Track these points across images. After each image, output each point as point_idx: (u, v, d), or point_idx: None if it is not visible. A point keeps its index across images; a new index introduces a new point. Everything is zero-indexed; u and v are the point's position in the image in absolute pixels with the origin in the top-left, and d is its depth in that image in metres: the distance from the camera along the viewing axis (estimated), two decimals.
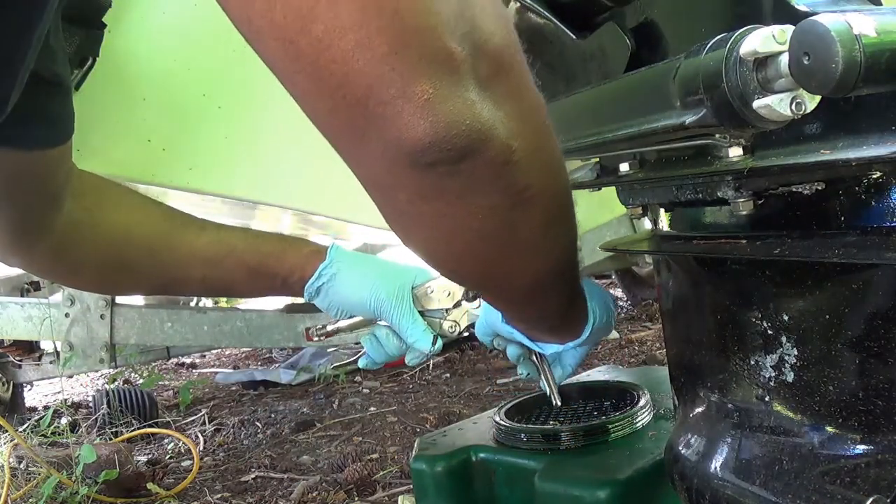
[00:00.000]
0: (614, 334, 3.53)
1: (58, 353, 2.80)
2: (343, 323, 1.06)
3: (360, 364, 1.09)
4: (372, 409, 2.85)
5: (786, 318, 0.66)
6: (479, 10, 0.47)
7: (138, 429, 2.69)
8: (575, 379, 1.25)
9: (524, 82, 0.54)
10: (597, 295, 0.93)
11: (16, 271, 2.97)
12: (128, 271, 0.97)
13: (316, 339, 1.07)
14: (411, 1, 0.43)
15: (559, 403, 1.06)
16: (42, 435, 2.56)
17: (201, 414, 3.00)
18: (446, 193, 0.53)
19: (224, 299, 4.81)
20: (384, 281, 0.99)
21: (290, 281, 1.00)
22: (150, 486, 2.17)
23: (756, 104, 0.49)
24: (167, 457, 2.53)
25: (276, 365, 3.78)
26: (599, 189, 0.96)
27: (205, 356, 4.42)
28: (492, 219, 0.56)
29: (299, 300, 1.03)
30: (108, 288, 1.16)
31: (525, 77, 0.54)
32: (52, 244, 0.90)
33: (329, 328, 1.08)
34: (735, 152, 0.61)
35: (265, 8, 0.43)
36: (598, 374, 1.29)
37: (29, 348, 3.01)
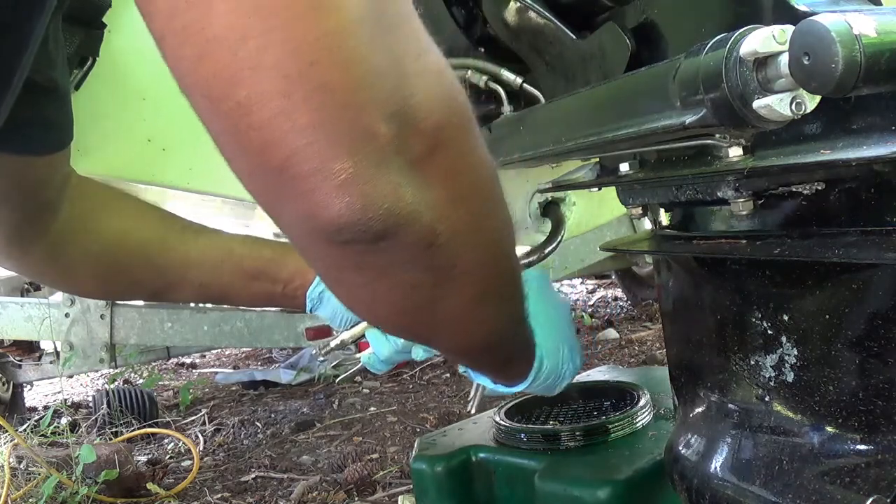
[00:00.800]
0: (614, 334, 3.53)
1: (58, 353, 2.80)
2: (346, 334, 1.03)
3: (363, 360, 1.05)
4: (372, 409, 2.85)
5: (786, 318, 0.66)
6: (417, 86, 0.45)
7: (138, 429, 2.69)
8: (575, 379, 1.25)
9: (465, 161, 0.51)
10: (554, 346, 0.88)
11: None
12: (123, 276, 0.95)
13: (322, 358, 1.06)
14: (341, 74, 0.41)
15: (473, 411, 1.05)
16: (42, 435, 2.56)
17: (201, 414, 3.00)
18: (364, 269, 0.51)
19: None
20: None
21: (291, 287, 0.98)
22: (150, 486, 2.17)
23: (756, 104, 0.49)
24: (167, 457, 2.53)
25: (276, 365, 3.78)
26: (599, 189, 0.96)
27: (205, 356, 4.42)
28: (413, 295, 0.54)
29: (298, 312, 1.03)
30: (103, 293, 1.11)
31: (467, 155, 0.51)
32: (47, 248, 0.89)
33: (333, 343, 1.04)
34: (735, 152, 0.61)
35: (193, 65, 0.41)
36: (598, 374, 1.29)
37: (29, 348, 3.01)
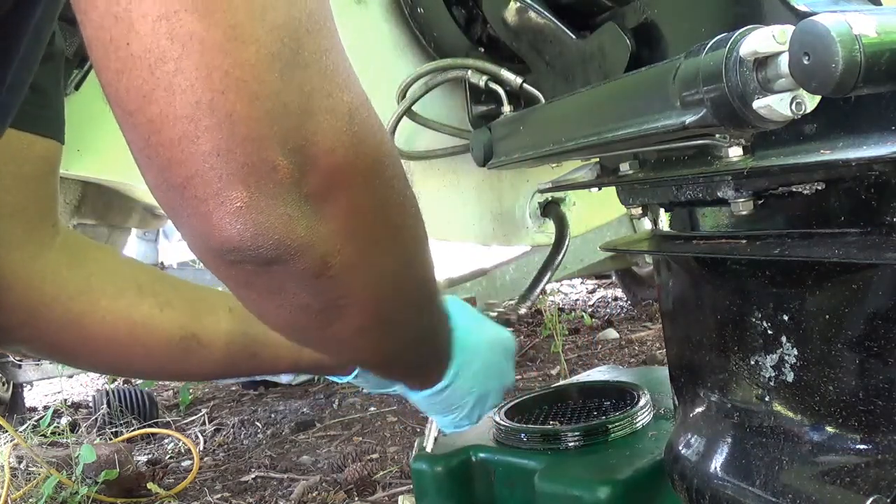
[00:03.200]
0: (614, 334, 3.53)
1: None
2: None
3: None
4: (372, 409, 2.85)
5: (786, 318, 0.66)
6: (322, 124, 0.46)
7: (138, 429, 2.69)
8: (575, 379, 1.25)
9: (367, 200, 0.51)
10: (475, 354, 0.85)
11: None
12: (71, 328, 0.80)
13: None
14: (247, 106, 0.42)
15: (429, 448, 1.03)
16: (42, 435, 2.56)
17: (201, 414, 3.00)
18: (253, 287, 0.53)
19: None
20: None
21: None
22: (150, 486, 2.17)
23: (756, 104, 0.49)
24: (167, 457, 2.53)
25: None
26: (599, 189, 0.96)
27: None
28: (302, 315, 0.55)
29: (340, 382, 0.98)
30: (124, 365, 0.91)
31: (370, 195, 0.51)
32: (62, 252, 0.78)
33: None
34: (735, 152, 0.61)
35: (115, 77, 0.43)
36: (598, 374, 1.29)
37: None
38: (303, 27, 0.45)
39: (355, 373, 0.95)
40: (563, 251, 1.22)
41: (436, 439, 1.04)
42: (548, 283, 1.26)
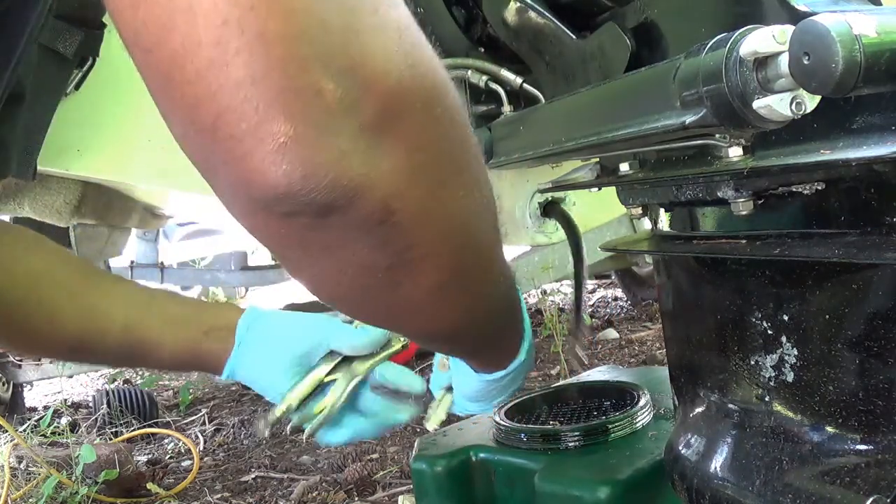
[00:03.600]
0: (614, 334, 3.53)
1: None
2: (296, 390, 0.89)
3: (454, 405, 0.98)
4: None
5: (786, 318, 0.66)
6: (372, 43, 0.39)
7: (138, 429, 2.69)
8: (575, 379, 1.25)
9: (431, 131, 0.44)
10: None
11: None
12: (43, 316, 0.84)
13: (267, 433, 0.90)
14: (281, 24, 0.36)
15: (431, 429, 1.00)
16: (42, 435, 2.56)
17: (201, 414, 3.00)
18: (308, 246, 0.46)
19: (224, 299, 4.81)
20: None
21: (216, 336, 0.88)
22: (150, 486, 2.17)
23: (756, 104, 0.49)
24: (167, 457, 2.53)
25: None
26: (599, 189, 0.96)
27: None
28: (366, 277, 0.48)
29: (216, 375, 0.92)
30: (15, 339, 0.92)
31: (434, 124, 0.45)
32: None
33: (277, 412, 0.89)
34: (735, 152, 0.61)
35: (130, 14, 0.38)
36: (598, 374, 1.29)
37: None
38: None
39: (227, 373, 0.90)
40: (583, 251, 1.19)
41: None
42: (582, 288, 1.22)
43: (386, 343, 0.93)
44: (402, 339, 0.93)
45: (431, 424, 0.97)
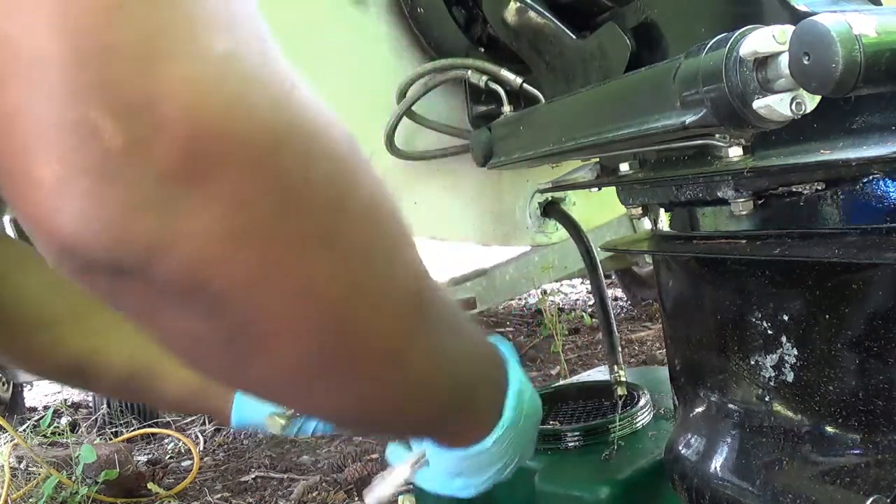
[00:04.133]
0: None
1: None
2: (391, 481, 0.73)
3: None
4: None
5: (786, 318, 0.65)
6: (182, 70, 0.32)
7: (138, 429, 2.69)
8: (575, 379, 1.25)
9: (270, 184, 0.35)
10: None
11: None
12: (47, 336, 0.80)
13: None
14: (62, 44, 0.30)
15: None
16: (42, 435, 2.56)
17: (201, 414, 3.00)
18: (125, 308, 0.39)
19: None
20: None
21: None
22: (150, 486, 2.17)
23: (756, 104, 0.49)
24: (167, 457, 2.53)
25: None
26: (599, 189, 0.96)
27: None
28: (205, 350, 0.40)
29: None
30: (17, 357, 0.85)
31: (278, 177, 0.36)
32: None
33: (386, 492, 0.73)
34: (735, 152, 0.61)
35: None
36: (598, 374, 1.29)
37: None
38: None
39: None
40: (595, 257, 1.18)
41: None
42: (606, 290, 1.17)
43: None
44: None
45: (370, 499, 0.75)
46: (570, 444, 0.96)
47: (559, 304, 4.59)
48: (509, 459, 0.68)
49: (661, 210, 0.82)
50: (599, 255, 1.17)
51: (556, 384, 1.23)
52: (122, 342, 0.82)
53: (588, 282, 5.04)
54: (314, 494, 2.08)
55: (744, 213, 0.65)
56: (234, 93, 0.34)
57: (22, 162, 0.31)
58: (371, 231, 0.43)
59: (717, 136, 0.60)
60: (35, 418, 2.86)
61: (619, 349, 1.11)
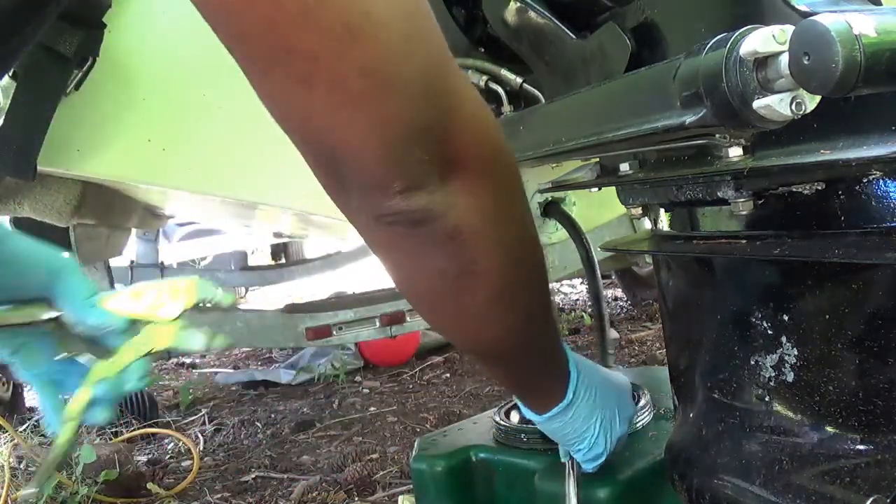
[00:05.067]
0: (614, 334, 3.53)
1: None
2: None
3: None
4: (372, 409, 2.85)
5: (786, 318, 0.66)
6: (456, 130, 0.59)
7: (138, 429, 2.69)
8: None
9: (488, 181, 0.63)
10: (590, 407, 0.85)
11: None
12: None
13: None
14: (394, 112, 0.54)
15: None
16: (42, 435, 2.56)
17: (201, 414, 3.01)
18: (402, 250, 0.65)
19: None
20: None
21: None
22: (150, 486, 2.17)
23: (756, 104, 0.49)
24: (167, 457, 2.53)
25: (276, 365, 3.78)
26: (599, 189, 0.96)
27: (205, 356, 4.42)
28: (440, 280, 0.66)
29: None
30: None
31: (490, 177, 0.63)
32: None
33: None
34: (735, 152, 0.61)
35: (283, 103, 0.55)
36: None
37: None
38: (440, 63, 0.57)
39: None
40: (594, 258, 1.18)
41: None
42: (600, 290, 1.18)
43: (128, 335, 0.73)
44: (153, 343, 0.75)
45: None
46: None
47: (559, 304, 4.59)
48: (604, 414, 0.87)
49: (661, 210, 0.82)
50: (599, 255, 1.17)
51: None
52: None
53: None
54: (314, 494, 2.08)
55: (744, 213, 0.65)
56: (478, 135, 0.61)
57: (380, 180, 0.57)
58: (528, 211, 0.71)
59: (717, 136, 0.60)
60: (35, 418, 2.86)
61: (610, 352, 1.17)
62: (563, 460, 0.90)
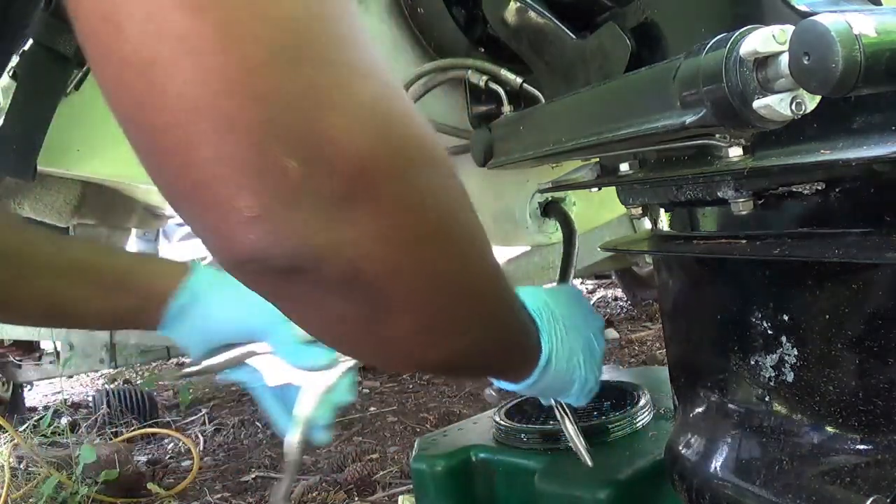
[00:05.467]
0: (614, 334, 3.53)
1: (58, 353, 2.80)
2: (219, 359, 0.90)
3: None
4: (372, 409, 2.85)
5: (786, 318, 0.66)
6: (341, 119, 0.42)
7: (138, 429, 2.69)
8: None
9: (404, 199, 0.47)
10: (566, 352, 0.82)
11: None
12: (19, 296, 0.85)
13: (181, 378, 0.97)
14: (248, 108, 0.39)
15: (589, 462, 0.91)
16: (42, 435, 2.56)
17: (201, 414, 3.00)
18: (284, 298, 0.50)
19: None
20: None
21: (151, 296, 0.87)
22: (150, 486, 2.17)
23: (756, 104, 0.49)
24: (167, 457, 2.53)
25: None
26: (599, 189, 0.96)
27: None
28: (344, 325, 0.52)
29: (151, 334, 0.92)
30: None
31: (408, 192, 0.47)
32: None
33: (193, 369, 0.92)
34: (735, 152, 0.61)
35: (108, 83, 0.41)
36: None
37: (29, 348, 3.01)
38: (312, 18, 0.42)
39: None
40: (575, 247, 1.19)
41: None
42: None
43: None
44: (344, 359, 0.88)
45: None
46: (570, 445, 0.96)
47: None
48: (580, 352, 0.83)
49: (661, 210, 0.82)
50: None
51: None
52: (38, 281, 0.85)
53: (587, 281, 5.04)
54: (314, 494, 2.08)
55: (744, 213, 0.65)
56: (380, 131, 0.44)
57: (222, 198, 0.41)
58: (469, 224, 0.56)
59: (717, 136, 0.60)
60: (35, 418, 2.86)
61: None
62: (545, 403, 0.92)
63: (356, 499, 2.02)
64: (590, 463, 0.91)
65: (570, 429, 0.92)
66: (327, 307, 0.49)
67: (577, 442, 0.91)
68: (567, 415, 0.93)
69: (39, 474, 2.14)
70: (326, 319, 0.52)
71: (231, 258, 0.44)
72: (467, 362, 0.68)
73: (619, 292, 4.62)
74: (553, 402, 0.93)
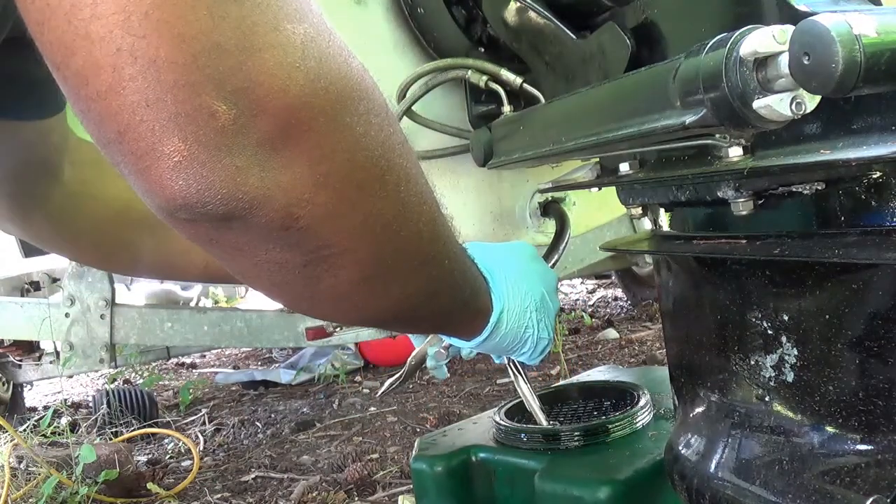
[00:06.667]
0: (614, 334, 3.53)
1: (58, 353, 2.80)
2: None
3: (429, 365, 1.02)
4: (372, 409, 2.85)
5: (786, 318, 0.66)
6: (270, 59, 0.41)
7: (138, 429, 2.69)
8: (575, 379, 1.25)
9: (338, 140, 0.46)
10: (520, 309, 0.82)
11: (16, 271, 2.96)
12: (127, 249, 0.88)
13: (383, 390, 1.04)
14: (173, 49, 0.38)
15: (544, 422, 0.97)
16: (42, 435, 2.56)
17: (201, 414, 3.01)
18: (219, 245, 0.48)
19: (224, 298, 4.82)
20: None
21: None
22: (150, 486, 2.17)
23: (756, 104, 0.49)
24: (167, 457, 2.53)
25: (276, 365, 3.78)
26: (599, 189, 0.96)
27: (205, 356, 4.42)
28: (282, 273, 0.51)
29: None
30: (107, 263, 1.02)
31: (340, 135, 0.46)
32: (50, 213, 0.83)
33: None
34: (735, 152, 0.61)
35: (37, 29, 0.40)
36: (598, 374, 1.29)
37: (29, 348, 3.01)
38: None
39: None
40: (563, 243, 1.19)
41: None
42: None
43: None
44: None
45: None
46: (569, 444, 0.96)
47: (559, 303, 4.58)
48: (535, 311, 0.82)
49: (661, 210, 0.82)
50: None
51: (557, 384, 1.24)
52: (195, 261, 0.87)
53: (587, 281, 5.04)
54: (314, 494, 2.08)
55: (744, 213, 0.65)
56: (313, 71, 0.43)
57: (149, 143, 0.40)
58: (406, 167, 0.54)
59: (717, 136, 0.60)
60: (35, 418, 2.86)
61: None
62: (497, 362, 0.95)
63: (356, 499, 2.02)
64: (544, 423, 0.94)
65: (524, 388, 0.93)
66: (264, 255, 0.48)
67: (532, 402, 0.93)
68: (521, 374, 0.94)
69: (39, 474, 2.14)
70: (264, 268, 0.50)
71: (161, 205, 0.43)
72: (413, 314, 0.66)
73: (619, 292, 4.62)
74: (506, 360, 0.94)
